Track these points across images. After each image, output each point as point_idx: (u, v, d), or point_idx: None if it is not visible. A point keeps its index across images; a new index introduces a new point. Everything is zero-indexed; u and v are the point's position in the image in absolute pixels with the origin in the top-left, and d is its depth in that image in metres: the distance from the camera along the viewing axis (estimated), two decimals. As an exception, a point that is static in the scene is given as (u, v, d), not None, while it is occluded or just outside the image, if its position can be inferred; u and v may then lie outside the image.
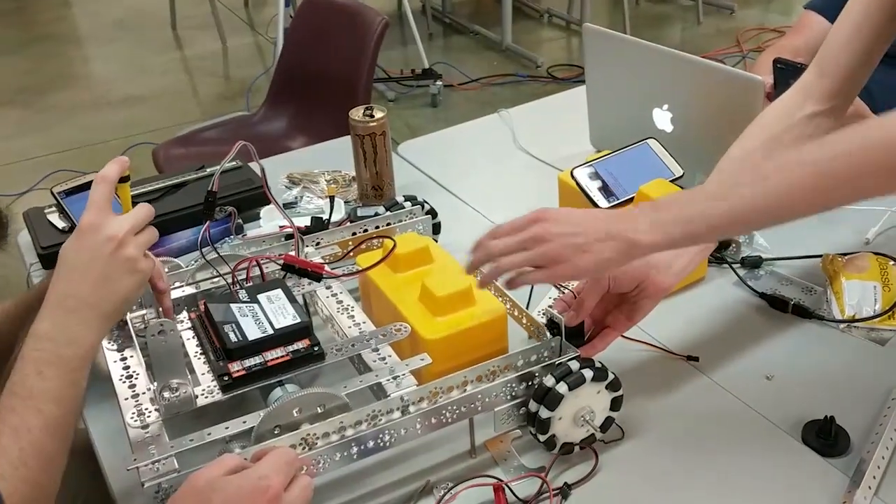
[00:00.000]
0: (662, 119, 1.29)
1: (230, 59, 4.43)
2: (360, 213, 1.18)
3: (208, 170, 1.38)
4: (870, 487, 0.80)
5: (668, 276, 0.92)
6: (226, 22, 4.61)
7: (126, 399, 0.81)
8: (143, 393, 0.81)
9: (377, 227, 1.12)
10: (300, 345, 0.82)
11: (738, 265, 1.14)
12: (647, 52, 1.27)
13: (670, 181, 1.14)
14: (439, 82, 3.66)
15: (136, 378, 0.83)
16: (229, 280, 0.94)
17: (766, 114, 1.07)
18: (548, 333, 0.87)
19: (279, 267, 0.97)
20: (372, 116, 1.28)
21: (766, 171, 0.81)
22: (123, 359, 0.87)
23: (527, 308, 0.92)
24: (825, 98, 1.03)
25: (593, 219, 0.82)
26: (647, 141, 1.20)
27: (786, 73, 1.34)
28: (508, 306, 0.92)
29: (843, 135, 0.80)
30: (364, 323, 0.91)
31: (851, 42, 1.03)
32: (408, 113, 3.64)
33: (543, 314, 0.91)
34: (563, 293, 0.93)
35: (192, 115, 3.66)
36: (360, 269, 0.98)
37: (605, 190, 1.13)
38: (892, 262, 1.09)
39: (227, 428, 0.74)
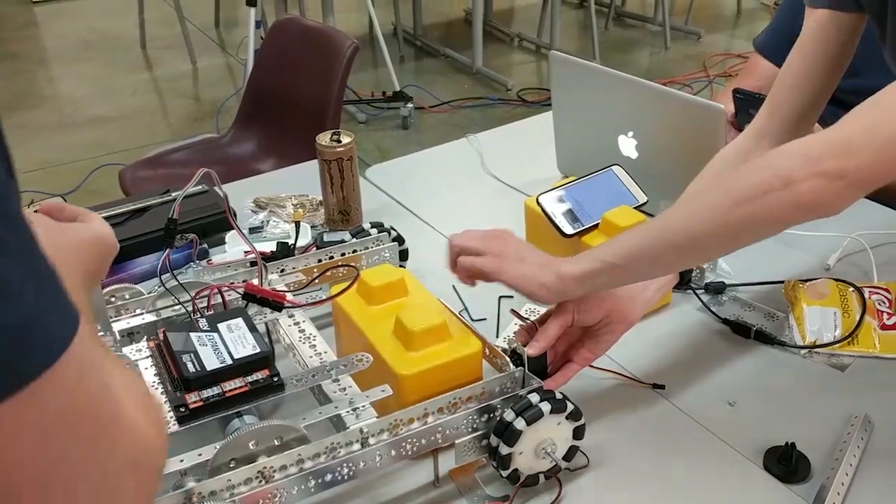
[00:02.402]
0: (628, 146, 1.30)
1: (200, 80, 4.41)
2: (326, 238, 1.17)
3: (173, 194, 1.37)
4: (830, 514, 0.81)
5: (633, 309, 0.92)
6: (196, 42, 4.60)
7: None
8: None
9: (343, 255, 1.11)
10: (259, 375, 0.81)
11: (702, 291, 1.15)
12: (613, 80, 1.28)
13: (634, 208, 1.14)
14: (410, 105, 3.67)
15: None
16: (189, 308, 0.93)
17: (722, 154, 1.10)
18: (511, 364, 0.86)
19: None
20: (339, 141, 1.28)
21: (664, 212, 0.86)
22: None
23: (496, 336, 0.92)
24: (777, 138, 1.06)
25: (541, 252, 0.91)
26: (611, 168, 1.20)
27: (745, 102, 1.37)
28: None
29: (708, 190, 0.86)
30: (325, 353, 0.90)
31: (798, 87, 1.06)
32: (379, 135, 3.64)
33: (506, 341, 0.91)
34: (526, 322, 0.92)
35: (162, 136, 3.63)
36: (322, 298, 0.97)
37: (571, 216, 1.13)
38: (851, 289, 1.11)
39: (181, 461, 0.73)
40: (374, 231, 1.16)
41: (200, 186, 1.38)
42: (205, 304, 0.93)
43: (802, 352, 1.04)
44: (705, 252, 0.90)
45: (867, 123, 0.77)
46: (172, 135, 3.67)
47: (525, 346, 0.86)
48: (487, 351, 0.91)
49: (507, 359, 0.87)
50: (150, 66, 4.60)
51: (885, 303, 1.09)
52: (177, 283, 0.95)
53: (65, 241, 0.63)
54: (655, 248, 0.84)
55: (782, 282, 1.15)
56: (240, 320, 0.87)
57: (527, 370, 0.85)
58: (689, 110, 1.18)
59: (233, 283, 0.98)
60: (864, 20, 1.06)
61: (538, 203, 1.14)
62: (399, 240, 1.16)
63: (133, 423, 0.40)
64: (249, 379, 0.80)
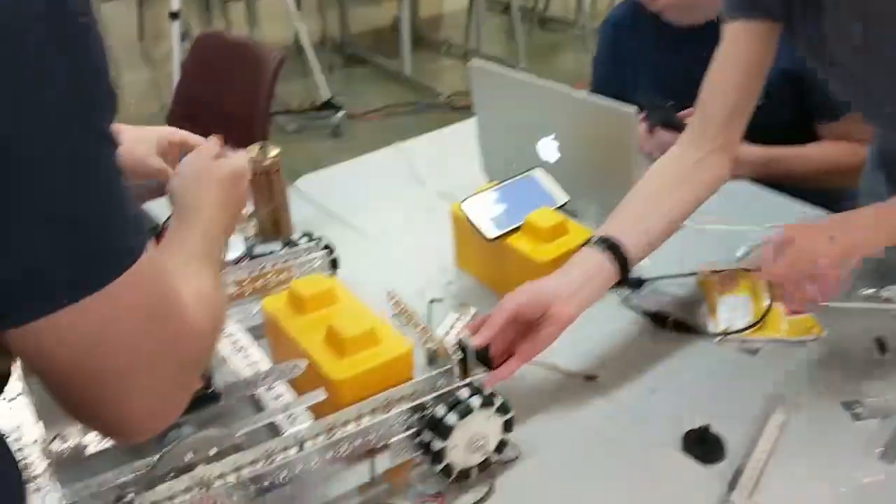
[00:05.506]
0: (549, 149, 1.35)
1: (125, 95, 4.33)
2: (257, 250, 1.18)
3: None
4: (746, 489, 0.86)
5: (572, 305, 0.96)
6: (120, 57, 4.52)
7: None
8: (33, 443, 0.80)
9: (274, 265, 1.13)
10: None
11: (624, 285, 1.20)
12: (530, 87, 1.33)
13: (556, 208, 1.19)
14: (341, 113, 3.68)
15: (23, 428, 0.82)
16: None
17: (659, 166, 1.14)
18: (453, 356, 0.89)
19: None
20: (266, 154, 1.30)
21: None
22: (10, 409, 0.85)
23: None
24: (710, 140, 1.11)
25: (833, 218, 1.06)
26: (533, 170, 1.25)
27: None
28: (419, 330, 0.94)
29: None
30: (258, 363, 0.92)
31: (722, 93, 1.11)
32: (310, 145, 3.64)
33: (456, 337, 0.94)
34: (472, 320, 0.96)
35: (87, 153, 3.55)
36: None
37: (494, 220, 1.17)
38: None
39: (119, 474, 0.74)
40: (304, 241, 1.18)
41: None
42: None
43: (716, 339, 1.10)
44: None
45: None
46: (98, 151, 3.59)
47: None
48: (431, 348, 0.93)
49: (448, 350, 0.89)
50: (72, 81, 4.49)
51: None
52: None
53: (214, 176, 0.84)
54: None
55: (696, 273, 1.21)
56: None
57: (473, 360, 0.89)
58: (601, 114, 1.24)
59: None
60: (777, 26, 1.11)
61: (461, 209, 1.18)
62: (329, 249, 1.18)
63: (191, 319, 0.58)
64: (184, 391, 0.81)
